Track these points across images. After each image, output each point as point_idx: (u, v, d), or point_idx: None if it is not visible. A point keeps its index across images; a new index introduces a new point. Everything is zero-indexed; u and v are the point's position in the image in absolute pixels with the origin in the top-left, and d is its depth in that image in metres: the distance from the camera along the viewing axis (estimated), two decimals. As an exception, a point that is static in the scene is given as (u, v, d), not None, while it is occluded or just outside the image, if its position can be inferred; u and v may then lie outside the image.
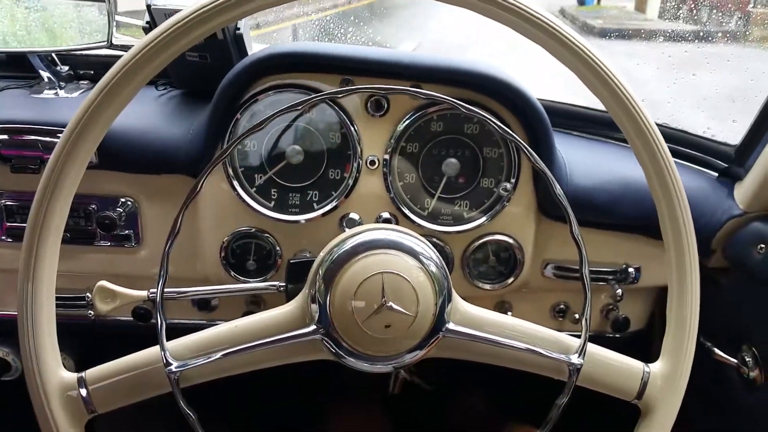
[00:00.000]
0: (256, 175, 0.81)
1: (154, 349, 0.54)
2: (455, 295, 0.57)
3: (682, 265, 0.56)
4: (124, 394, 0.55)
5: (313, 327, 0.54)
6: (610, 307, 0.92)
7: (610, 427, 0.75)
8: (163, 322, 0.54)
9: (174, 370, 0.53)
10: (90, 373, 0.54)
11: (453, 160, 0.81)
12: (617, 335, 0.93)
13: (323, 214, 0.81)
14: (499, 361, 0.58)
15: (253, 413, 1.11)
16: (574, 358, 0.56)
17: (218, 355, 0.54)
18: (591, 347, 0.56)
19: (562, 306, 0.93)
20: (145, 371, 0.54)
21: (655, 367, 0.57)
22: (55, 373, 0.53)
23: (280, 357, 0.56)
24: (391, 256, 0.54)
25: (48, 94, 0.91)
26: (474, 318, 0.58)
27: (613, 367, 0.57)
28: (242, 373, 0.57)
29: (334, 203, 0.81)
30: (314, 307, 0.54)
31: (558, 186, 0.56)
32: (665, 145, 0.55)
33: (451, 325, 0.56)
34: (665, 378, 0.57)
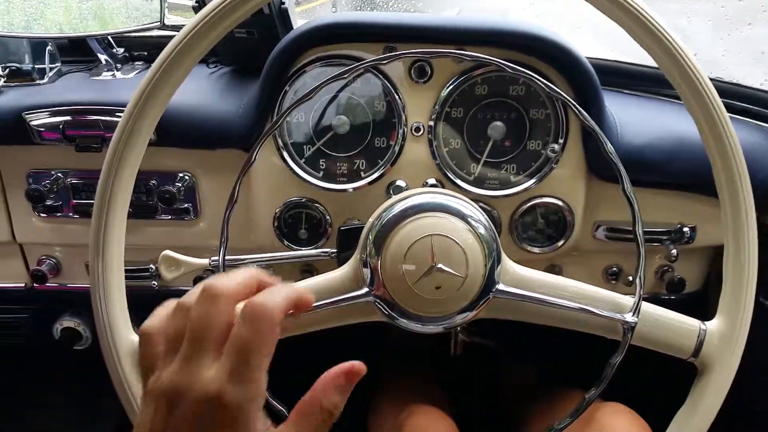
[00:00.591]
0: (304, 147, 0.83)
1: None
2: (504, 257, 0.58)
3: (738, 220, 0.55)
4: None
5: (365, 289, 0.56)
6: (665, 268, 0.90)
7: (666, 387, 0.75)
8: None
9: None
10: None
11: (499, 123, 0.80)
12: (672, 296, 0.92)
13: (370, 182, 0.82)
14: (551, 321, 0.59)
15: (301, 380, 1.15)
16: (628, 317, 0.56)
17: None
18: (645, 305, 0.56)
19: (614, 268, 0.92)
20: None
21: (712, 325, 0.57)
22: (126, 337, 0.57)
23: (333, 319, 0.59)
24: (439, 219, 0.55)
25: (106, 75, 0.96)
26: (524, 279, 0.58)
27: (668, 324, 0.57)
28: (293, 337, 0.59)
29: (380, 171, 0.82)
30: (366, 271, 0.56)
31: (609, 143, 0.55)
32: (719, 99, 0.54)
33: (501, 286, 0.57)
34: (722, 336, 0.56)
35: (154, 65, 0.56)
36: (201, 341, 0.36)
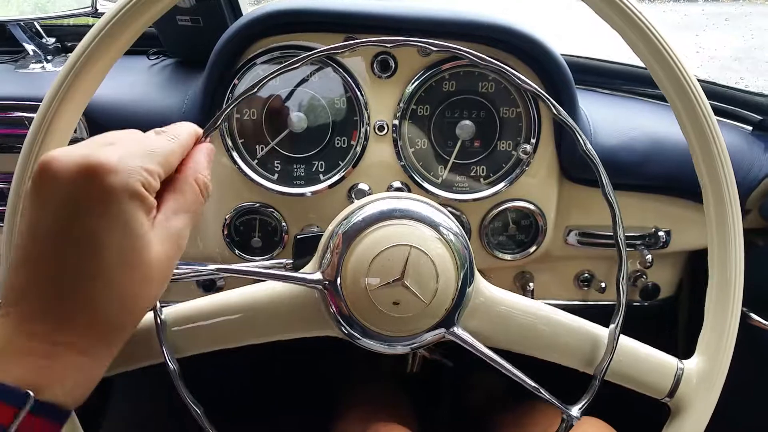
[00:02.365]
0: (257, 147, 0.75)
1: (148, 318, 0.50)
2: (477, 275, 0.52)
3: (725, 244, 0.51)
4: (118, 362, 0.51)
5: (318, 275, 0.50)
6: (639, 273, 0.87)
7: (636, 425, 0.71)
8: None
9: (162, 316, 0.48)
10: None
11: (467, 122, 0.75)
12: (646, 303, 0.88)
13: (330, 186, 0.75)
14: (520, 347, 0.53)
15: (260, 398, 1.08)
16: (574, 411, 0.50)
17: (212, 266, 0.50)
18: (622, 338, 0.51)
19: (586, 274, 0.88)
20: (137, 343, 0.49)
21: (690, 364, 0.52)
22: None
23: (284, 329, 0.52)
24: (406, 227, 0.49)
25: (34, 68, 0.86)
26: (497, 303, 0.53)
27: (643, 361, 0.52)
28: (246, 355, 0.52)
29: (341, 173, 0.75)
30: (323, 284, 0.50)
31: (588, 141, 0.50)
32: (706, 100, 0.49)
33: (457, 330, 0.50)
34: (701, 376, 0.51)
35: (75, 52, 0.48)
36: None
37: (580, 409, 0.51)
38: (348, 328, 0.50)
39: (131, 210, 0.34)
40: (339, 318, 0.50)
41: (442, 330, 0.50)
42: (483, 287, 0.52)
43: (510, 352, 0.53)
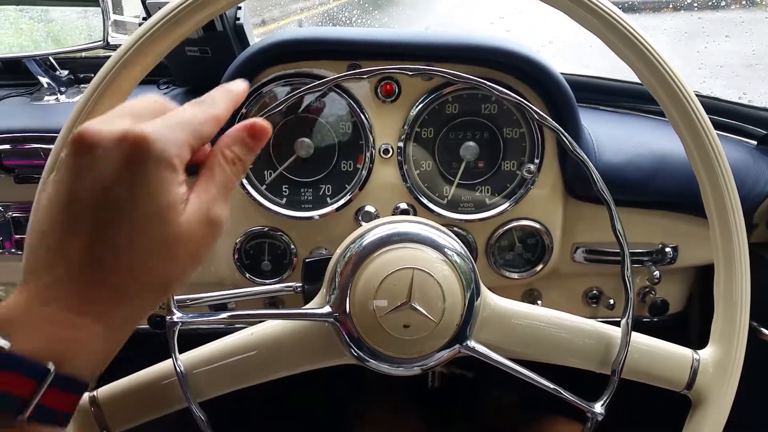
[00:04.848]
0: (265, 172, 0.77)
1: (167, 363, 0.51)
2: (483, 288, 0.53)
3: (728, 242, 0.51)
4: (139, 411, 0.52)
5: (327, 309, 0.51)
6: (647, 290, 0.87)
7: (660, 420, 0.70)
8: (175, 333, 0.51)
9: (175, 320, 0.51)
10: (102, 391, 0.51)
11: (471, 143, 0.76)
12: (655, 319, 0.88)
13: (337, 209, 0.77)
14: (534, 355, 0.54)
15: (273, 417, 1.08)
16: (597, 408, 0.51)
17: (224, 314, 0.52)
18: (635, 335, 0.52)
19: (594, 291, 0.88)
20: (159, 386, 0.51)
21: (705, 354, 0.52)
22: None
23: (299, 363, 0.53)
24: (411, 250, 0.50)
25: (49, 100, 0.89)
26: (506, 313, 0.54)
27: (659, 355, 0.52)
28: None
29: (348, 196, 0.77)
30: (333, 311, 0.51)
31: (600, 179, 0.51)
32: (706, 116, 0.50)
33: (471, 343, 0.52)
34: (717, 365, 0.51)
35: (91, 84, 0.50)
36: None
37: (602, 405, 0.51)
38: (363, 355, 0.51)
39: (163, 181, 0.34)
40: (352, 346, 0.51)
41: (457, 346, 0.51)
42: (490, 300, 0.53)
43: (525, 361, 0.53)
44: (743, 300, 0.51)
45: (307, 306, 0.54)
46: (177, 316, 0.51)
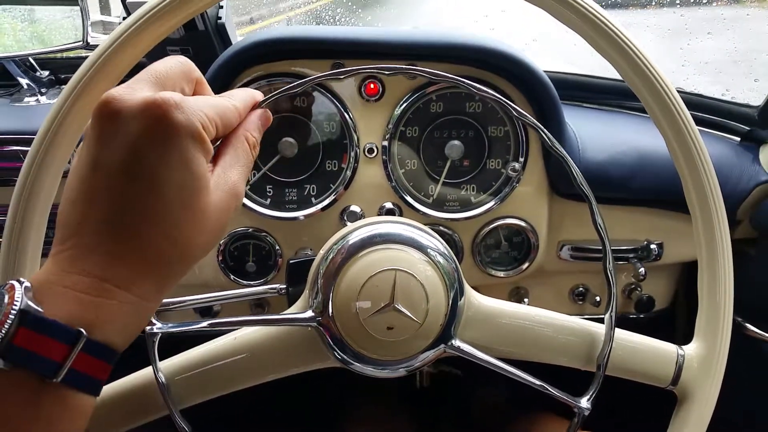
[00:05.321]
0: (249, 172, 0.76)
1: (149, 370, 0.50)
2: (468, 288, 0.53)
3: (711, 237, 0.51)
4: (120, 420, 0.51)
5: (310, 313, 0.50)
6: (633, 286, 0.87)
7: (646, 415, 0.71)
8: (154, 344, 0.50)
9: (155, 330, 0.50)
10: None
11: (456, 142, 0.76)
12: (641, 315, 0.88)
13: (323, 209, 0.76)
14: (519, 354, 0.54)
15: (260, 420, 1.07)
16: (583, 402, 0.51)
17: (204, 323, 0.50)
18: (619, 332, 0.52)
19: (581, 288, 0.88)
20: (141, 394, 0.50)
21: (690, 349, 0.52)
22: None
23: (283, 367, 0.52)
24: (394, 251, 0.50)
25: (29, 101, 0.88)
26: (490, 312, 0.53)
27: (643, 351, 0.52)
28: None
29: (333, 196, 0.76)
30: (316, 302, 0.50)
31: (580, 174, 0.51)
32: (688, 113, 0.50)
33: (456, 342, 0.51)
34: (702, 360, 0.51)
35: (69, 84, 0.49)
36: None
37: (588, 400, 0.51)
38: (347, 357, 0.50)
39: (192, 150, 0.34)
40: (336, 349, 0.50)
41: (442, 346, 0.51)
42: (474, 299, 0.53)
43: (511, 360, 0.53)
44: (727, 295, 0.51)
45: (289, 310, 0.53)
46: (156, 326, 0.50)
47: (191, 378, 0.50)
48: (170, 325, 0.51)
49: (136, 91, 0.34)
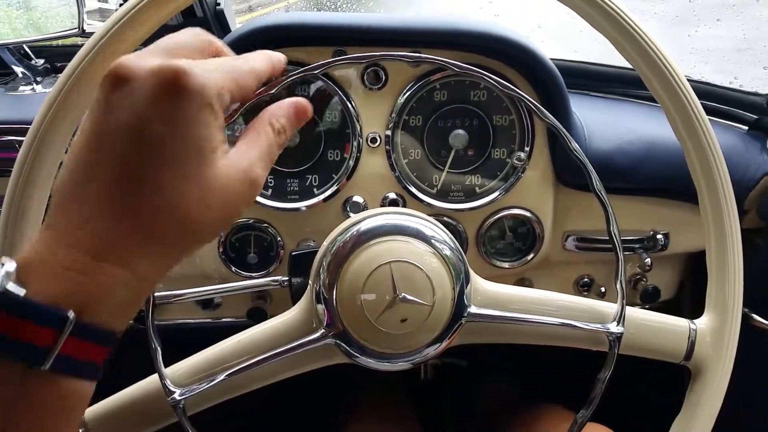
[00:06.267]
0: (249, 163, 0.75)
1: (153, 379, 0.50)
2: (474, 275, 0.52)
3: (720, 227, 0.51)
4: (128, 428, 0.50)
5: (321, 331, 0.49)
6: (638, 277, 0.86)
7: (660, 393, 0.70)
8: (158, 348, 0.49)
9: (178, 398, 0.48)
10: (89, 412, 0.49)
11: (460, 131, 0.74)
12: (647, 306, 0.88)
13: (325, 200, 0.75)
14: (530, 339, 0.53)
15: (263, 414, 1.07)
16: (613, 327, 0.50)
17: (222, 376, 0.49)
18: (628, 310, 0.51)
19: (586, 279, 0.87)
20: (147, 403, 0.49)
21: (701, 323, 0.51)
22: None
23: (289, 369, 0.52)
24: (399, 243, 0.49)
25: (24, 90, 0.86)
26: (497, 297, 0.53)
27: (655, 328, 0.52)
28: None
29: (335, 187, 0.75)
30: (320, 307, 0.49)
31: (574, 142, 0.50)
32: (697, 100, 0.49)
33: (473, 309, 0.50)
34: (714, 333, 0.51)
35: (63, 75, 0.48)
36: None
37: (617, 323, 0.50)
38: (353, 352, 0.50)
39: (201, 120, 0.32)
40: (351, 350, 0.50)
41: (461, 320, 0.50)
42: (481, 286, 0.52)
43: (518, 354, 0.52)
44: (736, 266, 0.51)
45: (293, 317, 0.52)
46: (178, 393, 0.48)
47: (200, 383, 0.49)
48: (194, 388, 0.49)
49: (147, 59, 0.32)
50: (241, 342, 0.50)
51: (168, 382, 0.48)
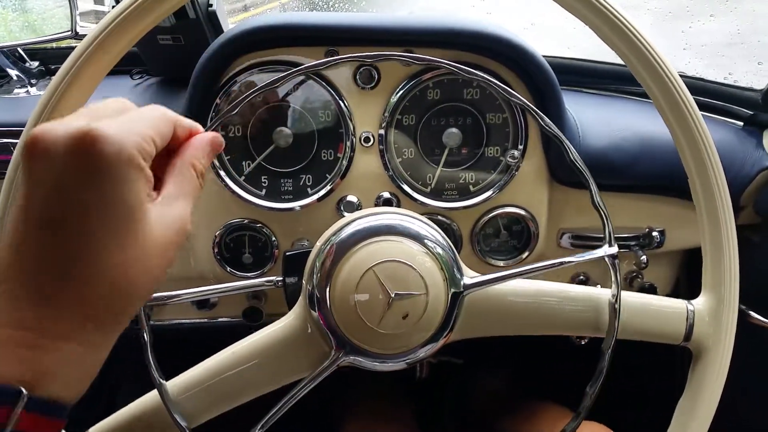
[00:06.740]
0: (243, 163, 0.75)
1: (153, 395, 0.49)
2: (466, 270, 0.52)
3: (715, 224, 0.51)
4: None
5: (333, 353, 0.50)
6: (634, 274, 0.86)
7: (645, 401, 0.70)
8: (160, 381, 0.49)
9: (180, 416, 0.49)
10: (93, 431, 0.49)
11: (454, 129, 0.74)
12: (643, 303, 0.87)
13: (319, 199, 0.75)
14: (528, 329, 0.53)
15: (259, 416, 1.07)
16: (607, 248, 0.51)
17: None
18: (625, 294, 0.51)
19: (581, 277, 0.87)
20: (149, 422, 0.49)
21: (699, 303, 0.51)
22: None
23: (288, 375, 0.51)
24: (392, 243, 0.49)
25: (18, 92, 0.86)
26: (493, 291, 0.52)
27: (652, 311, 0.51)
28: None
29: (329, 186, 0.75)
30: (315, 314, 0.49)
31: (574, 150, 0.50)
32: (690, 96, 0.49)
33: (467, 280, 0.51)
34: (712, 312, 0.51)
35: (55, 78, 0.48)
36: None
37: (610, 245, 0.51)
38: (371, 360, 0.50)
39: (127, 181, 0.32)
40: (359, 356, 0.50)
41: (460, 296, 0.50)
42: (472, 275, 0.52)
43: (513, 351, 0.52)
44: (731, 244, 0.50)
45: (288, 324, 0.52)
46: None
47: (199, 394, 0.49)
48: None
49: (67, 125, 0.32)
50: (236, 353, 0.50)
51: (173, 409, 0.48)
